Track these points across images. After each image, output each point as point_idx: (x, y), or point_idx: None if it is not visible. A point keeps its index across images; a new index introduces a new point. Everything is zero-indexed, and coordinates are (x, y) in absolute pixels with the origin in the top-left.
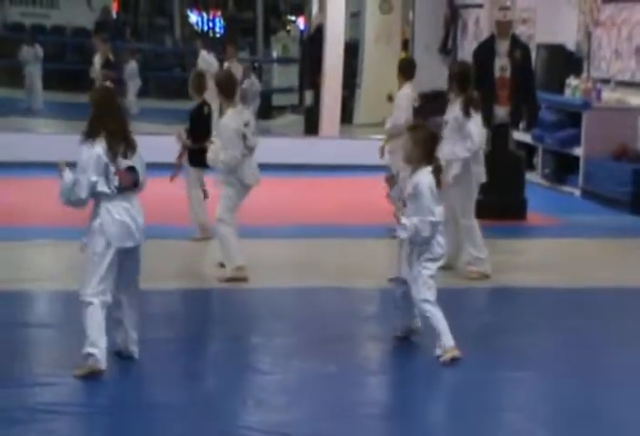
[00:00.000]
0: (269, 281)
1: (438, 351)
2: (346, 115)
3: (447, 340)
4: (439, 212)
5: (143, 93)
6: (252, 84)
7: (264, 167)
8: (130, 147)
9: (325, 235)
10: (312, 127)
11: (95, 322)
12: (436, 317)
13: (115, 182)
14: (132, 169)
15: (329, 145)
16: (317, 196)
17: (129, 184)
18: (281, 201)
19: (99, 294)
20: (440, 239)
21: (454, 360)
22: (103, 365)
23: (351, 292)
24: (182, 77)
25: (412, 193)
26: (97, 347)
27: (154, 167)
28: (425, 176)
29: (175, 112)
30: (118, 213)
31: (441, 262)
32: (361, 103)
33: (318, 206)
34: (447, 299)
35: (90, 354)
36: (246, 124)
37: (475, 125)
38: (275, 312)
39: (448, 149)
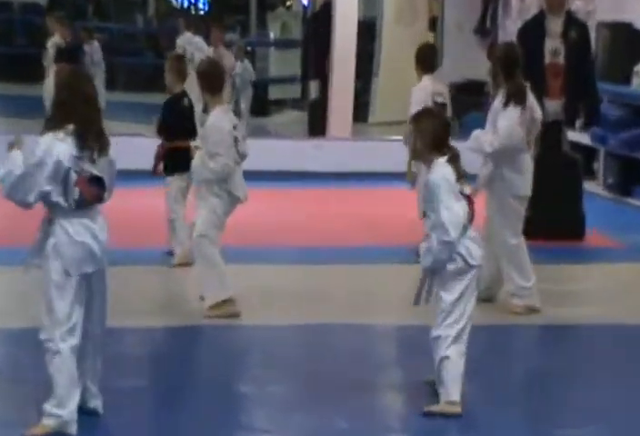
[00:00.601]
0: (265, 316)
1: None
2: (360, 112)
3: (454, 391)
4: (461, 210)
5: (109, 83)
6: (244, 69)
7: (258, 176)
8: (103, 146)
9: (335, 259)
10: (317, 126)
11: (65, 375)
12: (452, 361)
13: (76, 194)
14: (97, 180)
15: (339, 149)
16: (324, 211)
17: (92, 199)
18: (279, 217)
19: (67, 337)
20: (470, 245)
21: (445, 415)
22: (73, 429)
23: (365, 329)
24: (156, 64)
25: (425, 195)
26: (66, 407)
27: (124, 175)
28: (437, 168)
29: (149, 107)
30: (77, 233)
31: (469, 280)
32: (378, 96)
33: (325, 224)
34: (485, 339)
35: (56, 416)
36: (235, 127)
37: (507, 120)
38: (272, 354)
39: (476, 139)
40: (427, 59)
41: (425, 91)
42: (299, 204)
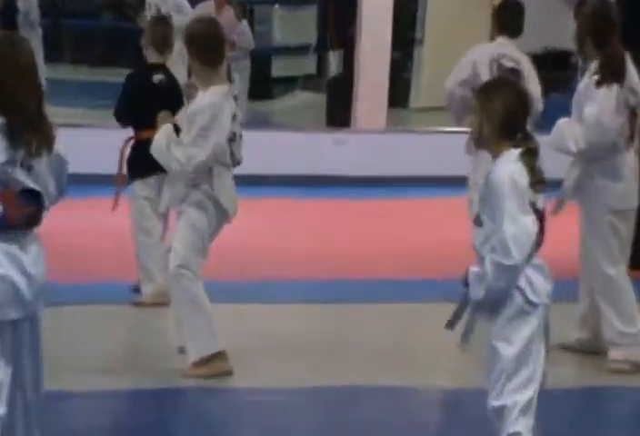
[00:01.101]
0: (265, 375)
1: None
2: (398, 93)
3: None
4: (528, 225)
5: (51, 54)
6: (242, 34)
7: (257, 181)
8: (45, 142)
9: (361, 296)
10: (339, 114)
11: None
12: None
13: None
14: (32, 196)
15: (369, 144)
16: (346, 231)
17: (22, 221)
18: (285, 238)
19: None
20: (534, 276)
21: None
22: None
23: (398, 393)
24: (117, 29)
25: (483, 195)
26: None
27: (75, 182)
28: (504, 164)
29: (108, 87)
30: None
31: (534, 325)
32: (423, 71)
33: (347, 248)
34: (569, 407)
35: None
36: (234, 117)
37: (598, 105)
38: (271, 427)
39: (558, 132)
40: (509, 17)
41: (482, 53)
42: (312, 221)
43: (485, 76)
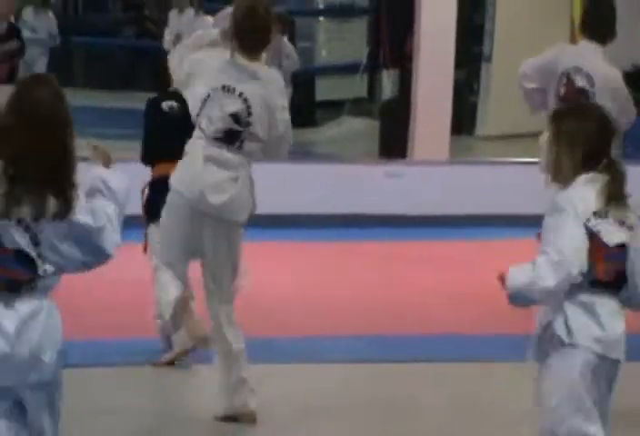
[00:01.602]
0: None
1: None
2: (463, 119)
3: None
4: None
5: (63, 79)
6: (287, 57)
7: (300, 221)
8: (61, 207)
9: (421, 355)
10: (394, 143)
11: None
12: None
13: None
14: (26, 260)
15: (428, 177)
16: (403, 278)
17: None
18: (335, 286)
19: None
20: (575, 316)
21: None
22: None
23: None
24: (138, 48)
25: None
26: None
27: None
28: (570, 188)
29: (128, 114)
30: None
31: (576, 368)
32: (491, 93)
33: (405, 297)
34: None
35: None
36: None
37: None
38: None
39: None
40: (599, 22)
41: (561, 58)
42: (362, 267)
43: (552, 89)
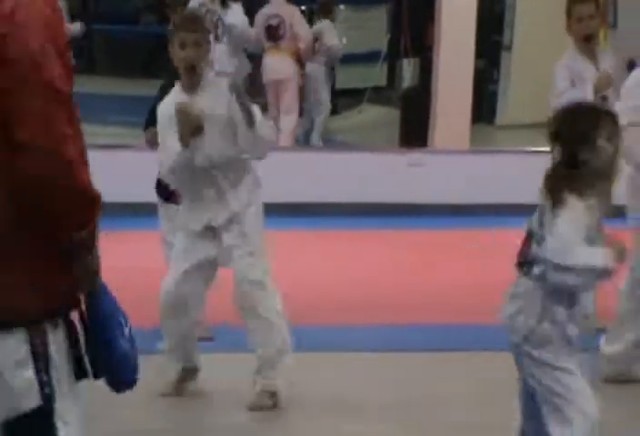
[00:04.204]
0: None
1: None
2: (483, 108)
3: None
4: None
5: (83, 66)
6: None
7: (320, 210)
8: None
9: (448, 344)
10: (415, 131)
11: None
12: None
13: None
14: None
15: (449, 166)
16: (427, 266)
17: None
18: (358, 275)
19: None
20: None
21: None
22: None
23: None
24: (159, 35)
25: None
26: None
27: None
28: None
29: (148, 102)
30: None
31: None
32: (511, 82)
33: (430, 286)
34: None
35: None
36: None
37: None
38: None
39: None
40: None
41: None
42: (384, 256)
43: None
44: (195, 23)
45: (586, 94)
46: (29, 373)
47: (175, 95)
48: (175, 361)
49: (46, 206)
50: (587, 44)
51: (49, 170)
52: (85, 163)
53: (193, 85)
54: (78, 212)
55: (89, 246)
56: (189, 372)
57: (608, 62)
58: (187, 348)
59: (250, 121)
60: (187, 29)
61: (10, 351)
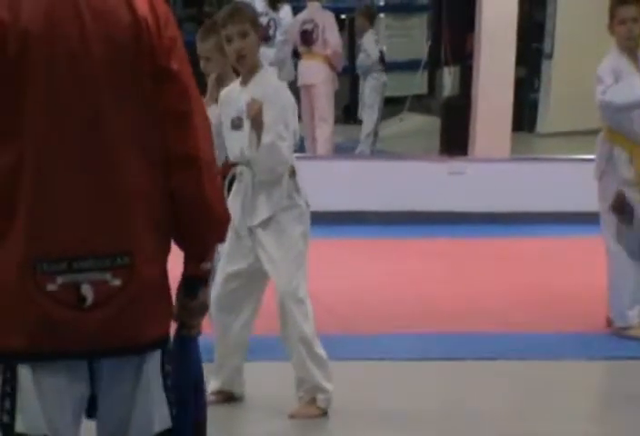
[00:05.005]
0: None
1: None
2: (524, 117)
3: None
4: None
5: None
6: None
7: (360, 218)
8: None
9: (485, 353)
10: (455, 140)
11: None
12: None
13: None
14: None
15: (490, 175)
16: (467, 275)
17: None
18: (399, 284)
19: None
20: None
21: None
22: None
23: None
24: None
25: None
26: None
27: None
28: None
29: None
30: None
31: None
32: (552, 90)
33: (469, 294)
34: None
35: None
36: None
37: None
38: None
39: None
40: None
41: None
42: (424, 264)
43: None
44: (237, 15)
45: (633, 88)
46: (163, 396)
47: (234, 86)
48: (214, 378)
49: (192, 226)
50: (630, 45)
51: (208, 187)
52: None
53: (246, 77)
54: (216, 234)
55: (207, 278)
56: (224, 395)
57: None
58: (232, 365)
59: (257, 143)
60: (230, 22)
61: (155, 372)
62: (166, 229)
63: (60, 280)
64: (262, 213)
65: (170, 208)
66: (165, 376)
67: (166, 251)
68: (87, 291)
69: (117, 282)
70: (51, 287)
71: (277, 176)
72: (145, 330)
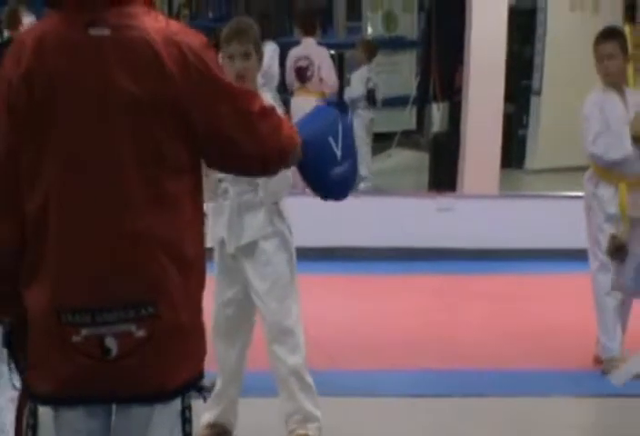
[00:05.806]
0: None
1: None
2: (513, 154)
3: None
4: None
5: None
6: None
7: (349, 254)
8: None
9: (476, 389)
10: (444, 176)
11: None
12: None
13: None
14: None
15: (479, 211)
16: (456, 311)
17: None
18: (387, 321)
19: None
20: None
21: None
22: None
23: None
24: None
25: None
26: None
27: None
28: None
29: None
30: None
31: None
32: (541, 127)
33: (459, 331)
34: None
35: None
36: None
37: None
38: None
39: None
40: None
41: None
42: (413, 301)
43: None
44: (243, 35)
45: (622, 141)
46: None
47: None
48: (209, 410)
49: None
50: (611, 81)
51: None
52: None
53: None
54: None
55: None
56: (218, 429)
57: (637, 100)
58: (230, 396)
59: None
60: (235, 41)
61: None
62: (193, 269)
63: (84, 332)
64: (247, 234)
65: (194, 248)
66: (184, 421)
67: (195, 293)
68: (111, 343)
69: (142, 333)
70: (76, 338)
71: (279, 199)
72: (170, 377)
